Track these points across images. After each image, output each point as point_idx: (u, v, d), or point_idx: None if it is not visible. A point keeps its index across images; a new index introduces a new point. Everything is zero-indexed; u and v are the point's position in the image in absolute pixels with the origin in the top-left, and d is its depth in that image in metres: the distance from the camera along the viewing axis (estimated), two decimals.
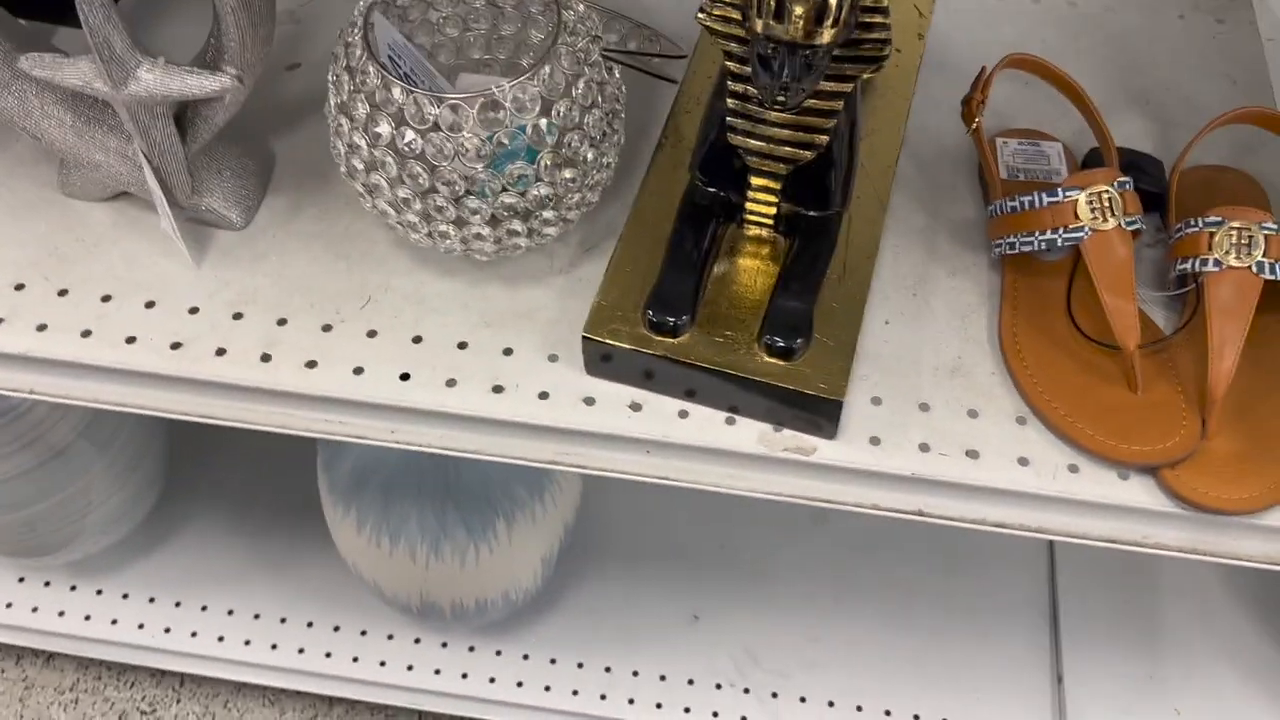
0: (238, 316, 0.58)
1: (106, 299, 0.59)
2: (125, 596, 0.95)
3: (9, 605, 0.95)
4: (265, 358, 0.57)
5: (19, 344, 0.57)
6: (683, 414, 0.55)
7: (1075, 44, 0.74)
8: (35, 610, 0.94)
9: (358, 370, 0.57)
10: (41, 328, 0.57)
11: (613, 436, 0.55)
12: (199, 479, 1.02)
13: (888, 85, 0.65)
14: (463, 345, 0.58)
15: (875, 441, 0.54)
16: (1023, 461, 0.54)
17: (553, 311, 0.59)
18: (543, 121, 0.52)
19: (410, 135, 0.51)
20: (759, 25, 0.45)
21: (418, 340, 0.58)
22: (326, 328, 0.58)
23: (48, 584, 0.96)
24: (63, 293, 0.59)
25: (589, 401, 0.55)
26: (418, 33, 0.61)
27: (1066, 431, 0.54)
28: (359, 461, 0.78)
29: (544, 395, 0.56)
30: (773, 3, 0.44)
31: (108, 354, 0.57)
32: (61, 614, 0.94)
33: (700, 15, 0.50)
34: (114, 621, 0.94)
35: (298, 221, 0.63)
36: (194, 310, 0.59)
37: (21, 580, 0.96)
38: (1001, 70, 0.63)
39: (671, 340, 0.54)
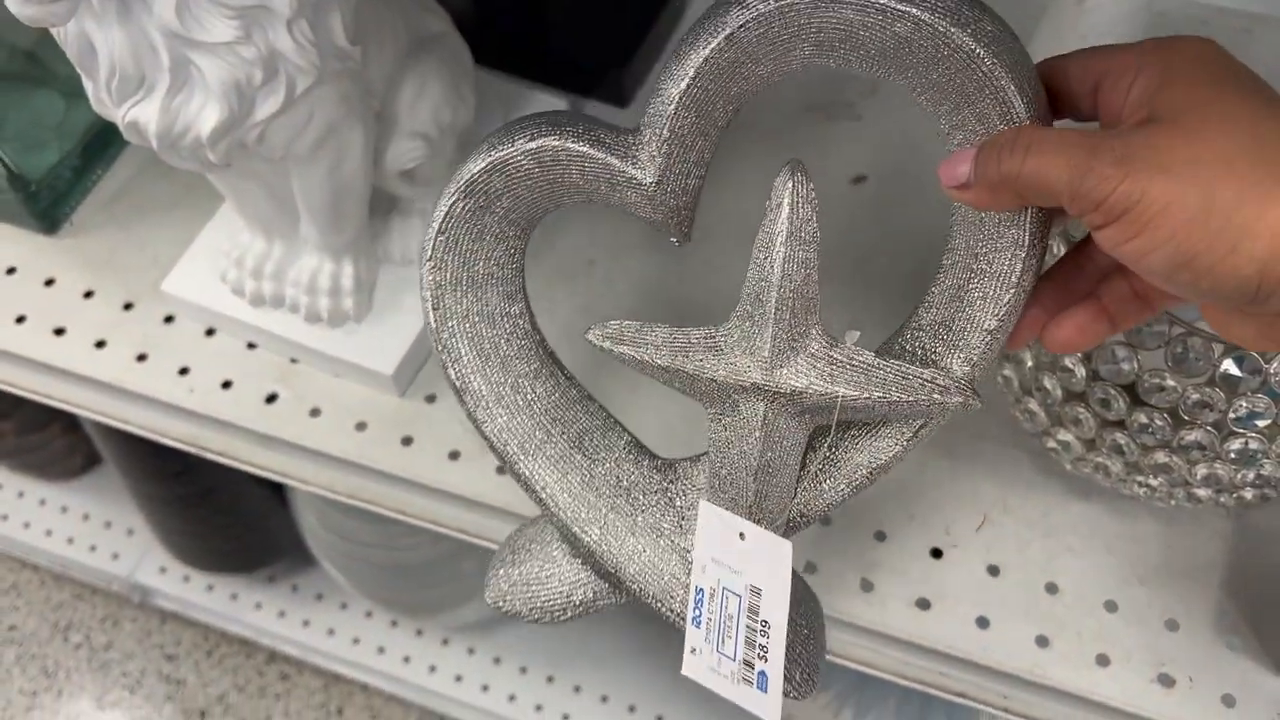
0: None
1: None
2: (497, 661, 0.90)
3: (380, 650, 0.91)
4: (867, 586, 0.46)
5: None
6: None
7: None
8: (407, 660, 0.91)
9: (982, 622, 0.45)
10: None
11: None
12: None
13: None
14: (1110, 606, 0.46)
15: None
16: None
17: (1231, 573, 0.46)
18: None
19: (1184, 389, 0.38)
20: None
21: (1052, 590, 0.46)
22: (936, 553, 0.47)
23: (420, 633, 0.92)
24: None
25: None
26: None
27: None
28: None
29: (1228, 701, 0.43)
30: None
31: None
32: (433, 669, 0.90)
33: None
34: (485, 688, 0.89)
35: None
36: None
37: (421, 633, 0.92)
38: None
39: None
